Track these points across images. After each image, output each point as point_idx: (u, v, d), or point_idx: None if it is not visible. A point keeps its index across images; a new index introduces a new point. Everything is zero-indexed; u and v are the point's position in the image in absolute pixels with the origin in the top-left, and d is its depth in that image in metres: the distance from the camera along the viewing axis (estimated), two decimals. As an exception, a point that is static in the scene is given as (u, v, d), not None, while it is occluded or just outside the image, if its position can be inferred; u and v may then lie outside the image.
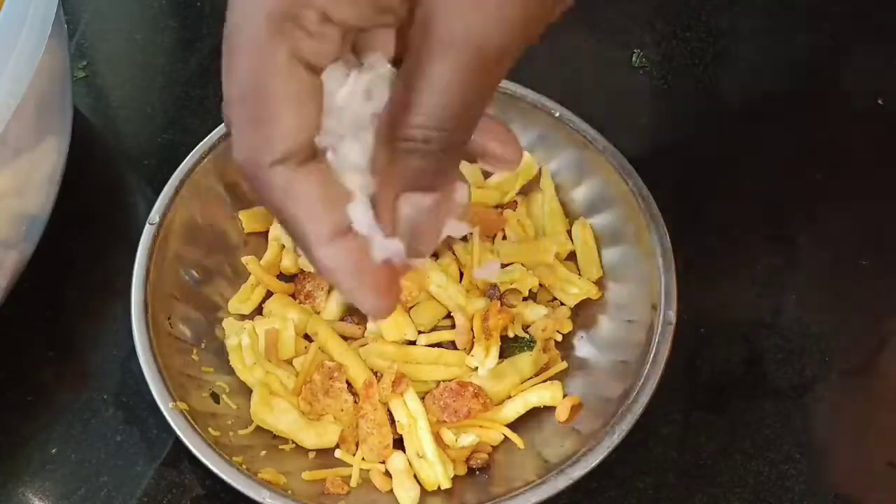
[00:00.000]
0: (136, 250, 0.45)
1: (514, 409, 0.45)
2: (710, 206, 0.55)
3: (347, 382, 0.45)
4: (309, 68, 0.26)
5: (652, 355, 0.43)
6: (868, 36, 0.63)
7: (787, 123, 0.59)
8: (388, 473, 0.43)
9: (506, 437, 0.45)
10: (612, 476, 0.45)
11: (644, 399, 0.42)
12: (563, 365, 0.47)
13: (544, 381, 0.46)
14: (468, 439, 0.44)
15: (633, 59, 0.61)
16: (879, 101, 0.60)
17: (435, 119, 0.26)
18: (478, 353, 0.46)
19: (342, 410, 0.44)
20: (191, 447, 0.40)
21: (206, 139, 0.48)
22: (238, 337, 0.46)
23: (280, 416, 0.44)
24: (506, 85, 0.50)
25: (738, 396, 0.47)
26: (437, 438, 0.43)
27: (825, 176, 0.57)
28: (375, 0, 0.26)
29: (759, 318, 0.48)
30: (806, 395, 0.48)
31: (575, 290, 0.48)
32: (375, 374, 0.45)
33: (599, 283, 0.49)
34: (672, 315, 0.44)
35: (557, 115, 0.50)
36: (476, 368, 0.46)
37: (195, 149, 0.48)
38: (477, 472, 0.44)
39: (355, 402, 0.45)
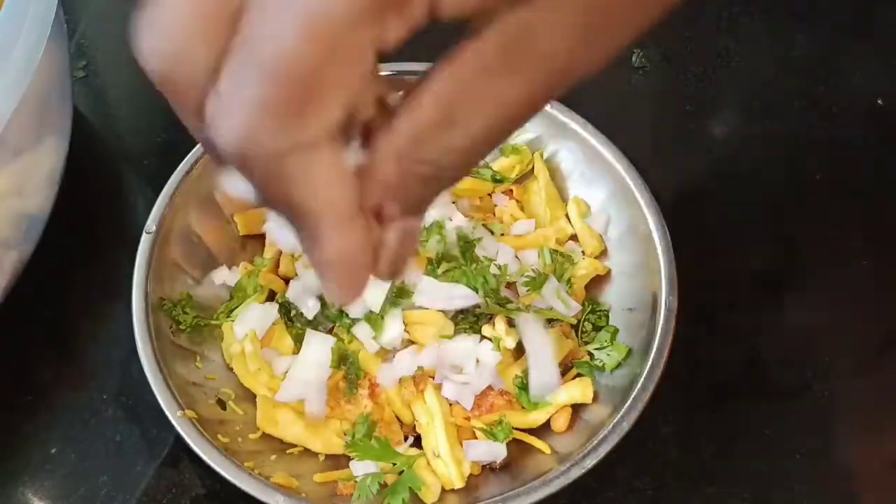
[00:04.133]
0: (135, 250, 0.45)
1: (545, 411, 0.45)
2: (710, 206, 0.55)
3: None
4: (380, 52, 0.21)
5: (656, 343, 0.43)
6: (868, 36, 0.63)
7: (787, 123, 0.59)
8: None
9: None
10: (612, 476, 0.45)
11: (651, 386, 0.42)
12: (586, 357, 0.47)
13: (573, 377, 0.46)
14: (500, 451, 0.44)
15: (633, 59, 0.61)
16: (879, 102, 0.60)
17: (471, 146, 0.23)
18: (499, 324, 0.45)
19: (360, 415, 0.44)
20: (202, 455, 0.40)
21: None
22: (240, 343, 0.45)
23: (285, 429, 0.44)
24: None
25: (738, 396, 0.47)
26: (454, 438, 0.43)
27: (825, 176, 0.57)
28: None
29: (759, 318, 0.48)
30: (806, 395, 0.48)
31: (582, 270, 0.49)
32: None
33: (603, 256, 0.49)
34: (673, 301, 0.44)
35: (548, 107, 0.50)
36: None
37: (192, 151, 0.48)
38: (492, 470, 0.44)
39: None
